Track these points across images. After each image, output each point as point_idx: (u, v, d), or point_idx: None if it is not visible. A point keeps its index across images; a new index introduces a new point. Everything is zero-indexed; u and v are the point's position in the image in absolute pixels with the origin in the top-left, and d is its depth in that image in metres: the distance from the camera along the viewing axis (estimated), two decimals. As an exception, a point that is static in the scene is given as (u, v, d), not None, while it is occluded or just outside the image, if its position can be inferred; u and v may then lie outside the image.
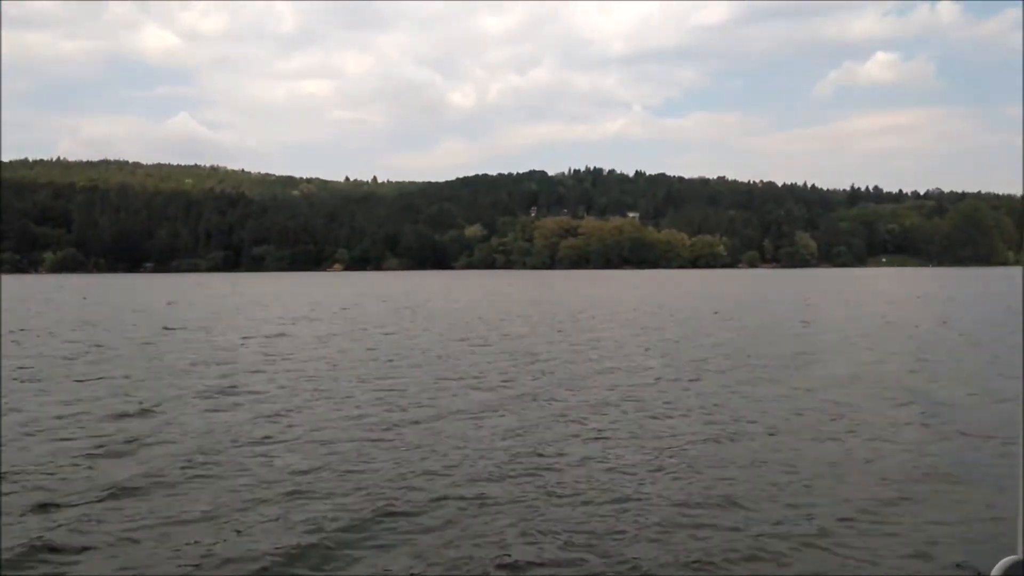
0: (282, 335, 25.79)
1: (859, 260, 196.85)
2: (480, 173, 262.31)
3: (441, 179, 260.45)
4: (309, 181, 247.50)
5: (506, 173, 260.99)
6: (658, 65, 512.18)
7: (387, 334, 25.97)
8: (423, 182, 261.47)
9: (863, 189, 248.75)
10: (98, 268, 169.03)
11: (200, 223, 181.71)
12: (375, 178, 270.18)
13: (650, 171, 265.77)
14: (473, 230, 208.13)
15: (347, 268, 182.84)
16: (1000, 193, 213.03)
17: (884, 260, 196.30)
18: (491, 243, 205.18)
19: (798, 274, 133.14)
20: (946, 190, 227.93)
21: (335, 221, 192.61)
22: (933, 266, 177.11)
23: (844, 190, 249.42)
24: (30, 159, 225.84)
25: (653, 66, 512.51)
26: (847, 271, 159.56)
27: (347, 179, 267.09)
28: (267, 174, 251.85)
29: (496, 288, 73.14)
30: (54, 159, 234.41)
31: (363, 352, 20.47)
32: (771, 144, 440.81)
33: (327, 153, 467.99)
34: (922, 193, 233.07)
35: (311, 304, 46.33)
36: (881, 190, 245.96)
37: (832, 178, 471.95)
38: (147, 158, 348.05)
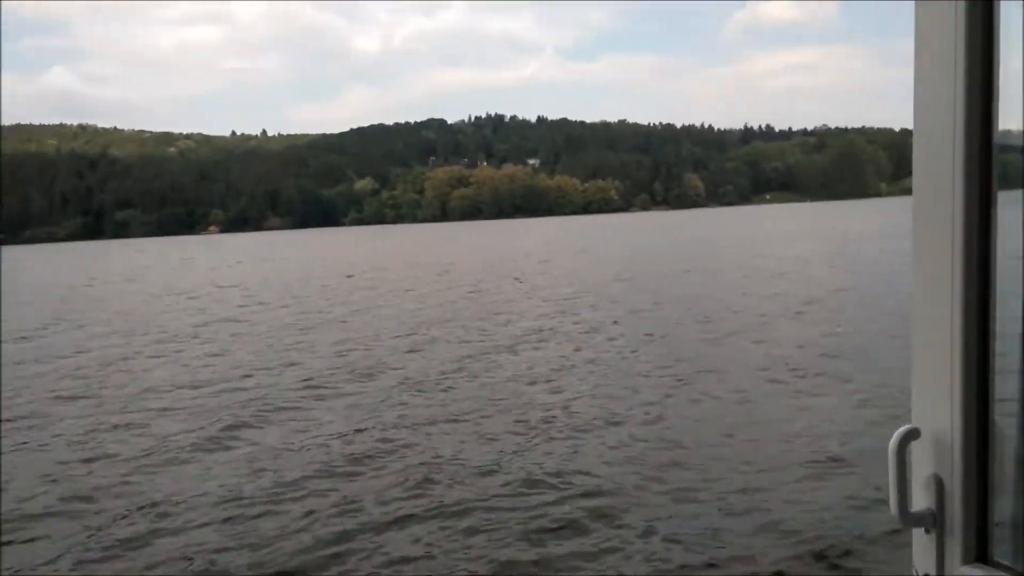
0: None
1: (744, 199, 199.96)
2: (375, 123, 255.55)
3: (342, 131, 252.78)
4: (188, 137, 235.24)
5: (402, 122, 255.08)
6: (568, 7, 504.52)
7: None
8: (316, 134, 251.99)
9: (756, 128, 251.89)
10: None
11: (55, 187, 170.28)
12: (264, 131, 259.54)
13: (555, 117, 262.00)
14: (363, 184, 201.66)
15: (224, 230, 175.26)
16: (878, 127, 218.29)
17: (768, 197, 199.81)
18: (381, 197, 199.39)
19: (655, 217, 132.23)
20: (832, 126, 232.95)
21: (208, 179, 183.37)
22: (811, 201, 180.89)
23: (739, 129, 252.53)
24: None
25: (564, 8, 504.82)
26: (731, 210, 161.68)
27: (233, 133, 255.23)
28: (141, 130, 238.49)
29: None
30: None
31: None
32: (681, 86, 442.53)
33: (219, 106, 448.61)
34: (810, 130, 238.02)
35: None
36: (773, 128, 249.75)
37: (733, 118, 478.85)
38: (10, 117, 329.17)
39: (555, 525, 6.19)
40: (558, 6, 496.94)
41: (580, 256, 43.41)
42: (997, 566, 1.18)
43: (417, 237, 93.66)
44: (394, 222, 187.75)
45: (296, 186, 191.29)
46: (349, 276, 35.75)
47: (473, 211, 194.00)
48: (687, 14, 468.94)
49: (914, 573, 1.27)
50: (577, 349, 14.02)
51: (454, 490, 7.07)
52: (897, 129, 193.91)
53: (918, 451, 1.24)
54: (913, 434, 1.22)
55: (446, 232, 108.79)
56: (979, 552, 1.20)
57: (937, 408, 1.19)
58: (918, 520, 1.23)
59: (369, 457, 8.19)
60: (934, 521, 1.22)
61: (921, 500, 1.23)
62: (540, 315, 18.99)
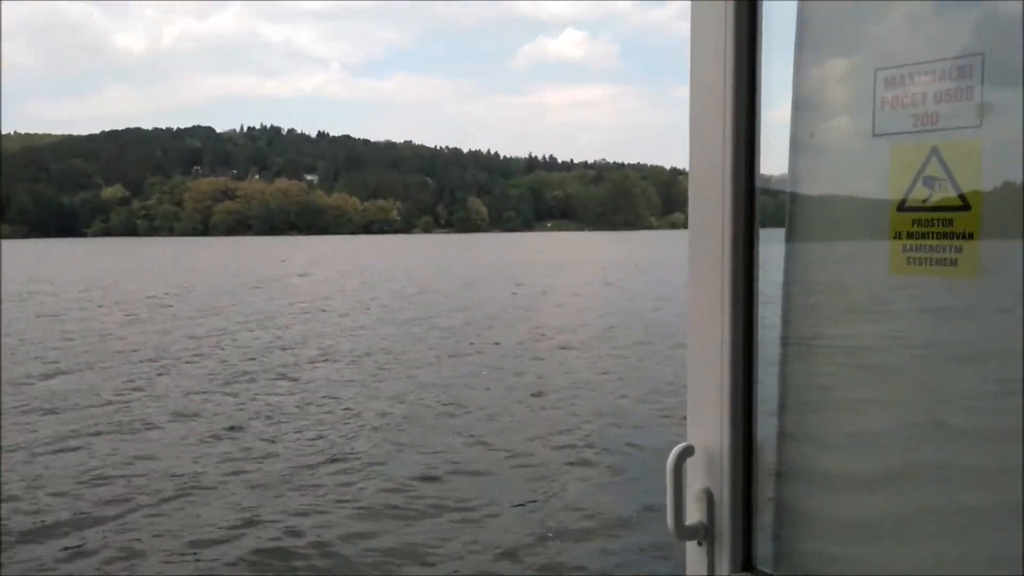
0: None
1: (527, 225, 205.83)
2: (131, 127, 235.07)
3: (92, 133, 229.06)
4: None
5: (163, 128, 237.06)
6: (357, 22, 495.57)
7: None
8: (61, 135, 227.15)
9: (540, 158, 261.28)
10: None
11: None
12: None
13: (337, 132, 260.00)
14: (112, 191, 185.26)
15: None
16: (651, 164, 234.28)
17: (550, 225, 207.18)
18: (132, 207, 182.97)
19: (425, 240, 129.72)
20: (610, 161, 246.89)
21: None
22: (589, 230, 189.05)
23: (524, 158, 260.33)
24: None
25: (352, 23, 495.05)
26: (514, 235, 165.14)
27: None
28: None
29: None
30: None
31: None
32: (470, 111, 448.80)
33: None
34: (590, 163, 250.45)
35: None
36: (556, 159, 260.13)
37: (519, 147, 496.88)
38: None
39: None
40: (346, 20, 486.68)
41: (343, 277, 37.42)
42: (760, 574, 1.26)
43: (167, 252, 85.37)
44: (148, 234, 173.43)
45: (30, 191, 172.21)
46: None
47: (241, 226, 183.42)
48: (479, 41, 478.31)
49: None
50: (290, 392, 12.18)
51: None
52: (668, 168, 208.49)
53: (693, 467, 1.29)
54: (688, 451, 1.28)
55: (203, 248, 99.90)
56: (745, 561, 1.26)
57: (708, 426, 1.27)
58: (691, 533, 1.28)
59: None
60: (705, 533, 1.27)
61: (694, 514, 1.28)
62: (264, 346, 16.84)
